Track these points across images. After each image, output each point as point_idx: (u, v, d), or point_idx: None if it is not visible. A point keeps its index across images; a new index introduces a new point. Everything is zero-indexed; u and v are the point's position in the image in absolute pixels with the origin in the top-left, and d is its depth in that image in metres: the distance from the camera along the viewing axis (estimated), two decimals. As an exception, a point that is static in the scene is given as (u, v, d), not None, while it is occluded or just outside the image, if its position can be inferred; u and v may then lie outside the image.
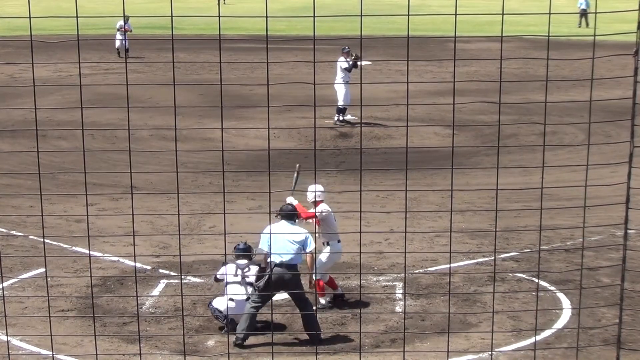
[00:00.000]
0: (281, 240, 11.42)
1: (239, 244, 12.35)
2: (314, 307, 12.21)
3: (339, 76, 25.63)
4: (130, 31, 40.20)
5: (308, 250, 11.72)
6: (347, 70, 25.49)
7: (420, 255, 14.71)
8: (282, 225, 11.78)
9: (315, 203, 12.69)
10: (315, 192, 12.66)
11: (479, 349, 11.12)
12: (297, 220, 12.09)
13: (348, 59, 25.68)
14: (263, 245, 11.66)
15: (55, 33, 44.79)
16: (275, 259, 11.40)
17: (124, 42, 39.24)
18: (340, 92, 25.53)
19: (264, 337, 11.74)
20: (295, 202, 12.67)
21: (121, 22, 39.36)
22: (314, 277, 12.85)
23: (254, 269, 12.10)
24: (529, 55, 38.97)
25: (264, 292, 11.42)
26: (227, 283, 12.08)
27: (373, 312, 12.54)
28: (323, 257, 12.81)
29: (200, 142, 24.01)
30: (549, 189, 16.32)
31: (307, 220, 12.71)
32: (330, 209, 12.87)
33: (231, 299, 11.90)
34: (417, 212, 17.16)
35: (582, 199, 6.54)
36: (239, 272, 12.12)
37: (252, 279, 11.96)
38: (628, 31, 6.14)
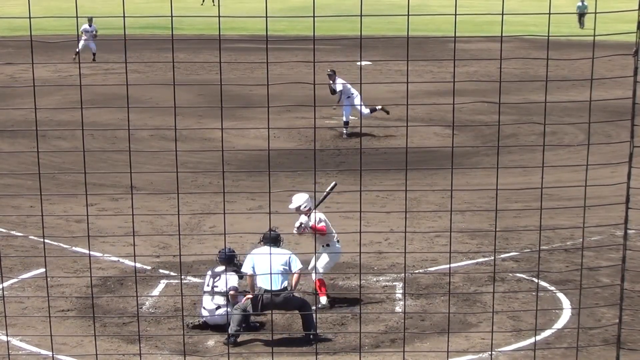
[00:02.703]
0: (267, 268, 11.39)
1: (222, 250, 12.24)
2: (314, 307, 12.25)
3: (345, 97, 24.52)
4: (96, 35, 39.48)
5: (294, 270, 11.70)
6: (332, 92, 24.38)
7: (420, 255, 14.71)
8: (266, 249, 11.63)
9: (306, 213, 12.66)
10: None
11: (479, 349, 11.12)
12: (281, 244, 11.97)
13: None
14: (248, 270, 11.64)
15: (55, 33, 44.78)
16: (262, 285, 11.44)
17: (90, 45, 38.88)
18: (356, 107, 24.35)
19: (264, 337, 11.75)
20: (310, 223, 12.62)
21: (86, 26, 38.90)
22: (313, 277, 12.87)
23: (231, 278, 12.00)
24: (528, 55, 38.97)
25: (256, 310, 11.52)
26: (203, 293, 12.20)
27: (373, 312, 12.54)
28: (324, 257, 12.80)
29: (200, 142, 24.01)
30: (549, 189, 16.32)
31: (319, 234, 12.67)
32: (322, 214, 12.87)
33: (204, 308, 12.02)
34: (417, 212, 17.16)
35: (582, 199, 6.54)
36: (210, 282, 12.13)
37: (221, 288, 11.94)
38: (628, 31, 6.14)
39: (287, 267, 11.69)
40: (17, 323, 12.05)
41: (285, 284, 11.62)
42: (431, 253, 14.65)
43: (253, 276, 11.57)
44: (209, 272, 12.31)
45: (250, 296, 11.68)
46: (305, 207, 12.73)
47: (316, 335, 11.47)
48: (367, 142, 23.79)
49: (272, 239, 11.74)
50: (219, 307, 11.90)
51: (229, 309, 11.74)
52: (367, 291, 13.39)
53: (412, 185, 18.91)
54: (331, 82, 24.43)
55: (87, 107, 25.29)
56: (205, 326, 12.04)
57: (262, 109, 25.75)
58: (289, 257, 11.77)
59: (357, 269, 13.79)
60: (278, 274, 11.47)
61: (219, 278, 12.02)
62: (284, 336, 11.86)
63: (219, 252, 12.27)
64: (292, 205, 12.78)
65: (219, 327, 11.84)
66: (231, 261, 12.20)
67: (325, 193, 13.10)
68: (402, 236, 15.28)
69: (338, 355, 11.15)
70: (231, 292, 11.90)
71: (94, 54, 39.01)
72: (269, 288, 11.39)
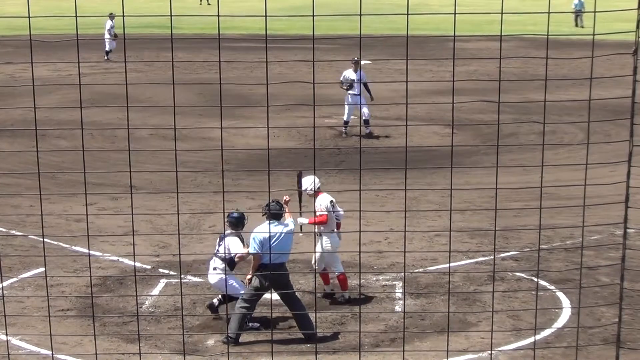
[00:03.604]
0: (275, 242, 11.37)
1: (232, 213, 12.35)
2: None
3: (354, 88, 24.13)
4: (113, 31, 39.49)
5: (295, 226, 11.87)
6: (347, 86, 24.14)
7: (420, 254, 14.71)
8: (272, 226, 11.57)
9: (316, 194, 12.77)
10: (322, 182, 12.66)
11: (479, 349, 11.12)
12: (282, 218, 11.91)
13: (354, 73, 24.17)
14: (257, 249, 11.57)
15: (54, 33, 44.75)
16: (267, 261, 11.36)
17: (112, 43, 39.01)
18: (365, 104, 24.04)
19: (264, 336, 11.74)
20: (306, 221, 12.67)
21: (112, 22, 38.95)
22: (315, 266, 12.86)
23: (233, 243, 12.08)
24: (528, 54, 38.96)
25: (258, 292, 11.48)
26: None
27: (373, 312, 12.54)
28: (322, 249, 12.77)
29: (199, 141, 24.01)
30: (549, 188, 16.33)
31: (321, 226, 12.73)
32: (331, 198, 12.90)
33: (208, 269, 12.36)
34: (417, 212, 17.16)
35: (581, 198, 6.53)
36: (217, 245, 12.33)
37: (223, 251, 12.11)
38: (627, 30, 6.14)
39: (292, 241, 11.79)
40: (16, 322, 12.06)
41: (286, 260, 11.72)
42: (431, 252, 14.65)
43: (260, 255, 11.49)
44: (220, 236, 12.40)
45: (249, 276, 11.65)
46: (312, 190, 12.83)
47: (313, 333, 11.41)
48: (367, 141, 23.79)
49: (276, 211, 11.68)
50: (215, 269, 12.10)
51: (229, 278, 11.92)
52: (367, 290, 13.39)
53: (412, 185, 18.91)
54: (354, 70, 24.30)
55: (87, 106, 25.29)
56: (213, 309, 12.24)
57: (262, 108, 25.74)
58: (292, 228, 11.80)
59: (357, 268, 13.79)
60: (286, 249, 11.55)
61: (222, 243, 12.17)
62: (284, 336, 11.85)
63: (229, 215, 12.29)
64: (302, 188, 12.91)
65: (221, 326, 11.85)
66: (239, 224, 12.26)
67: (298, 191, 13.10)
68: (401, 235, 15.28)
69: (338, 354, 11.15)
70: (236, 259, 12.07)
71: (106, 52, 39.09)
72: (274, 263, 11.33)
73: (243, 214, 12.34)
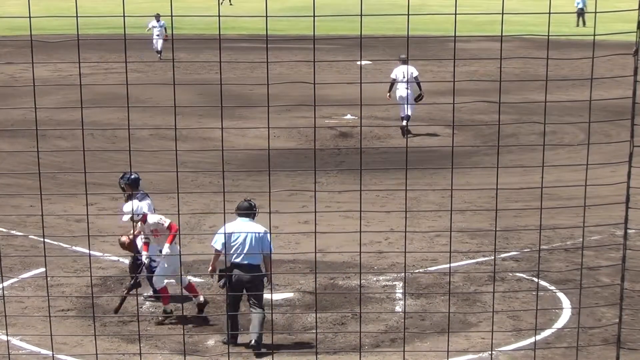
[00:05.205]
0: (240, 240, 11.21)
1: (131, 175, 12.98)
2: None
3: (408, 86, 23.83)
4: (165, 31, 39.76)
5: (268, 250, 11.18)
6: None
7: (420, 254, 14.71)
8: (240, 223, 11.37)
9: (142, 218, 12.29)
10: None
11: (479, 349, 11.12)
12: (255, 217, 11.52)
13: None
14: (217, 245, 11.39)
15: (55, 33, 44.76)
16: (235, 259, 11.20)
17: (158, 42, 39.35)
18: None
19: (264, 336, 11.73)
20: (167, 246, 12.25)
21: (154, 22, 39.30)
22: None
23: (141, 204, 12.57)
24: (529, 55, 38.96)
25: (229, 292, 11.30)
26: None
27: (373, 312, 12.53)
28: (164, 263, 12.42)
29: (200, 141, 24.01)
30: (549, 189, 16.32)
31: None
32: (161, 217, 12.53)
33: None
34: (417, 212, 17.16)
35: (582, 199, 6.53)
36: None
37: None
38: (628, 31, 6.14)
39: (262, 245, 11.22)
40: (17, 322, 12.06)
41: (259, 262, 11.33)
42: (431, 253, 14.64)
43: (220, 252, 11.29)
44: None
45: (211, 269, 11.57)
46: (139, 209, 12.39)
47: (258, 343, 11.17)
48: (367, 141, 23.78)
49: (245, 209, 11.47)
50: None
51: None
52: (367, 291, 13.39)
53: (412, 185, 18.91)
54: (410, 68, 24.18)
55: (87, 106, 25.26)
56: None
57: (262, 109, 25.74)
58: (266, 233, 11.28)
59: (357, 269, 13.79)
60: (252, 250, 11.18)
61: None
62: (284, 336, 11.85)
63: (124, 176, 12.91)
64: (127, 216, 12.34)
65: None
66: (137, 185, 12.99)
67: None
68: (402, 236, 15.28)
69: (338, 354, 11.15)
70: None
71: (159, 52, 39.37)
72: (239, 262, 11.16)
73: (137, 174, 13.17)
